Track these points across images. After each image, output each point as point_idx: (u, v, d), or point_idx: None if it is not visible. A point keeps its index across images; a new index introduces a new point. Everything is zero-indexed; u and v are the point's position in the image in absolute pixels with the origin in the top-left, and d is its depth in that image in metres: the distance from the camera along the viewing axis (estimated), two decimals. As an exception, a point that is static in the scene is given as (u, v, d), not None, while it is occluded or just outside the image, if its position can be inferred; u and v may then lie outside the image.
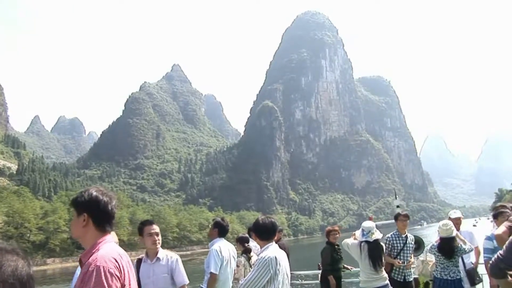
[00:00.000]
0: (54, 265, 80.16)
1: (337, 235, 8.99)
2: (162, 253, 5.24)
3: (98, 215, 2.56)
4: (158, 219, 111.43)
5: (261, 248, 4.41)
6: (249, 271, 6.12)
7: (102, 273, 2.30)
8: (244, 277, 6.13)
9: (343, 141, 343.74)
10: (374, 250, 7.23)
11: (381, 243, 7.44)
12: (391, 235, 7.72)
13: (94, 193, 2.60)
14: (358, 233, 7.53)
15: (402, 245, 7.62)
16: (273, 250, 4.33)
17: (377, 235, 7.29)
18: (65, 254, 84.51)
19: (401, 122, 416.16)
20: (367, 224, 7.42)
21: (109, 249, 2.46)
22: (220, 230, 6.58)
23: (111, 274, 2.32)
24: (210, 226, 6.74)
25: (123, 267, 2.41)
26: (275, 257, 4.23)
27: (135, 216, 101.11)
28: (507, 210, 5.90)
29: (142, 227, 5.21)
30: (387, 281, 7.31)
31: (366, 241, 7.26)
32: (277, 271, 4.21)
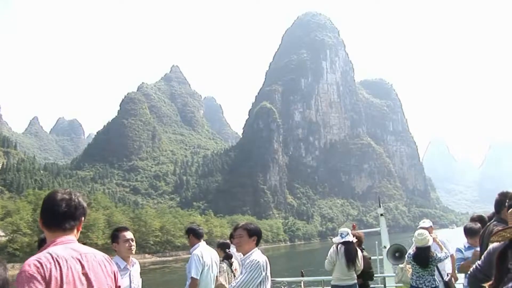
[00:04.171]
0: (13, 271, 72.63)
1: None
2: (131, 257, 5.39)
3: (46, 215, 2.61)
4: (138, 222, 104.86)
5: (244, 253, 4.61)
6: (231, 277, 6.88)
7: (23, 277, 2.27)
8: (229, 283, 6.64)
9: (344, 145, 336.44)
10: (349, 250, 7.85)
11: (356, 247, 8.09)
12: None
13: (49, 194, 2.68)
14: (335, 238, 8.14)
15: None
16: (261, 254, 4.57)
17: (353, 238, 8.04)
18: (27, 259, 77.10)
19: (403, 126, 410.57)
20: (343, 228, 8.22)
21: (45, 251, 2.46)
22: (195, 234, 6.69)
23: (30, 277, 2.27)
24: (186, 236, 6.92)
25: (51, 270, 2.33)
26: (265, 261, 4.52)
27: (112, 218, 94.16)
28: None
29: (118, 233, 5.27)
30: (355, 281, 7.96)
31: (345, 242, 7.91)
32: (268, 275, 4.49)
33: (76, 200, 2.63)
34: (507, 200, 3.73)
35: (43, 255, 2.41)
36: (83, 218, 2.69)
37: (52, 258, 2.39)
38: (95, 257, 2.61)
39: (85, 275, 2.49)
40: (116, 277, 2.69)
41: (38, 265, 2.33)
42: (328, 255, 8.13)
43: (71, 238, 2.59)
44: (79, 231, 2.69)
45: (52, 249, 2.47)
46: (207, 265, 6.42)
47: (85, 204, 2.68)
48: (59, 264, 2.38)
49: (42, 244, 4.31)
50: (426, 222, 8.74)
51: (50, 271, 2.33)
